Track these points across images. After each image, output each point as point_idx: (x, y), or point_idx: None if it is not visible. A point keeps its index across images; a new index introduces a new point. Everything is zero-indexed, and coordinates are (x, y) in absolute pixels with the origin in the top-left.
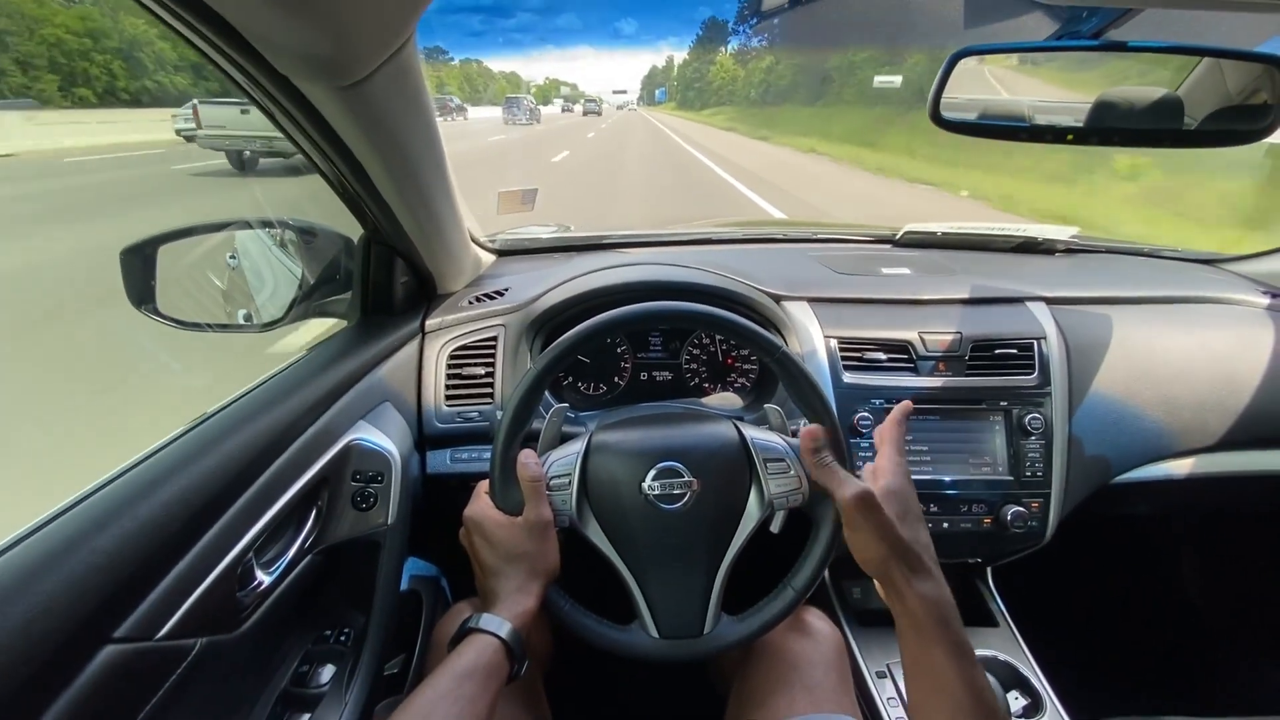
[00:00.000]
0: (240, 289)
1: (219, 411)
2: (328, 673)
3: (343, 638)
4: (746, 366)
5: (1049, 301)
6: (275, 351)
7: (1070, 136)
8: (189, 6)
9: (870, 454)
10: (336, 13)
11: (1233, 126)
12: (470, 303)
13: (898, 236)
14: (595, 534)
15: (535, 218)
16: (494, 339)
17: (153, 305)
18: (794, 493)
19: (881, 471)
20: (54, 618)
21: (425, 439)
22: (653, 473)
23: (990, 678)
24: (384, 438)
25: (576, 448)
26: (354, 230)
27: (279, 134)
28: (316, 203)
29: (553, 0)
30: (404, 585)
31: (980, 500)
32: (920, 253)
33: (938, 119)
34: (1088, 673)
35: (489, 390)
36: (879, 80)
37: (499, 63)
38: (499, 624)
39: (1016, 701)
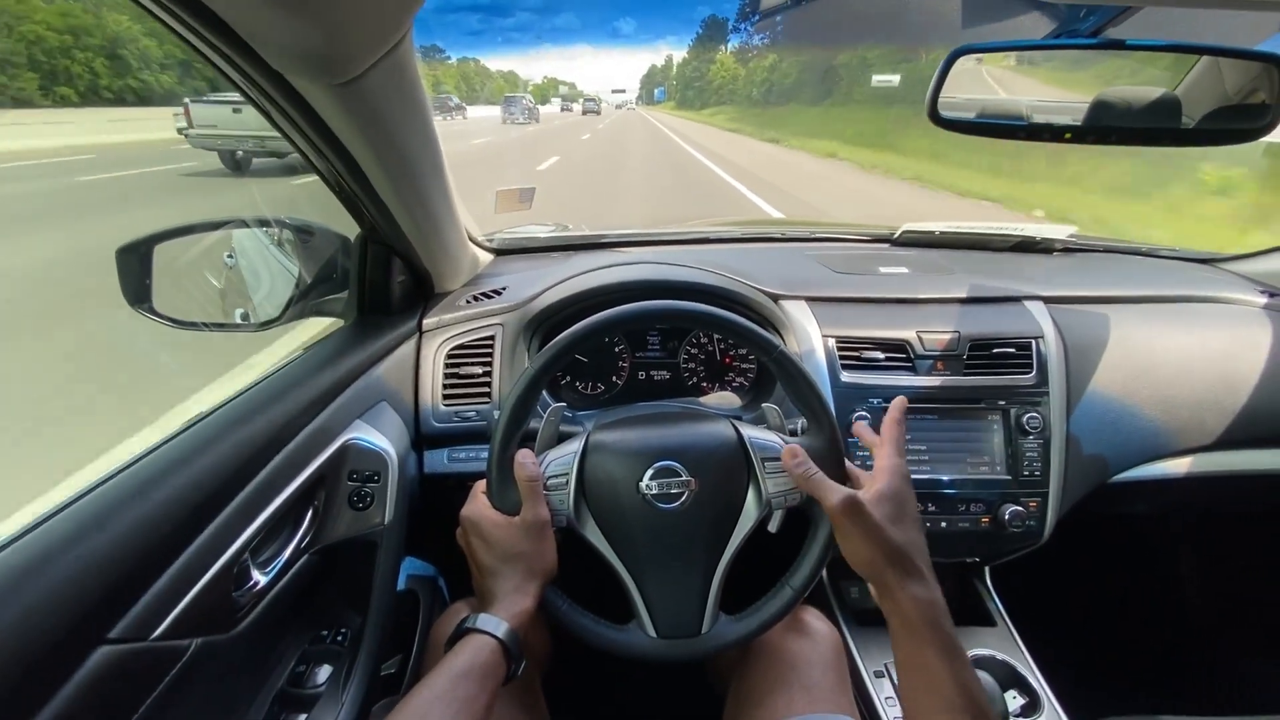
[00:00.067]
0: (237, 288)
1: (215, 411)
2: (324, 673)
3: (339, 638)
4: (745, 366)
5: (1047, 301)
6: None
7: (1068, 135)
8: (182, 2)
9: (867, 453)
10: (331, 9)
11: (1231, 125)
12: (468, 302)
13: (896, 236)
14: (593, 534)
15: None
16: (491, 338)
17: (149, 304)
18: (792, 492)
19: (880, 474)
20: (48, 618)
21: (422, 438)
22: (650, 472)
23: (987, 677)
24: (381, 437)
25: (574, 447)
26: (351, 229)
27: (272, 133)
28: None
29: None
30: (401, 585)
31: (978, 500)
32: (918, 252)
33: (936, 117)
34: (1085, 672)
35: (486, 390)
36: (877, 79)
37: (496, 62)
38: (496, 624)
39: (1014, 701)
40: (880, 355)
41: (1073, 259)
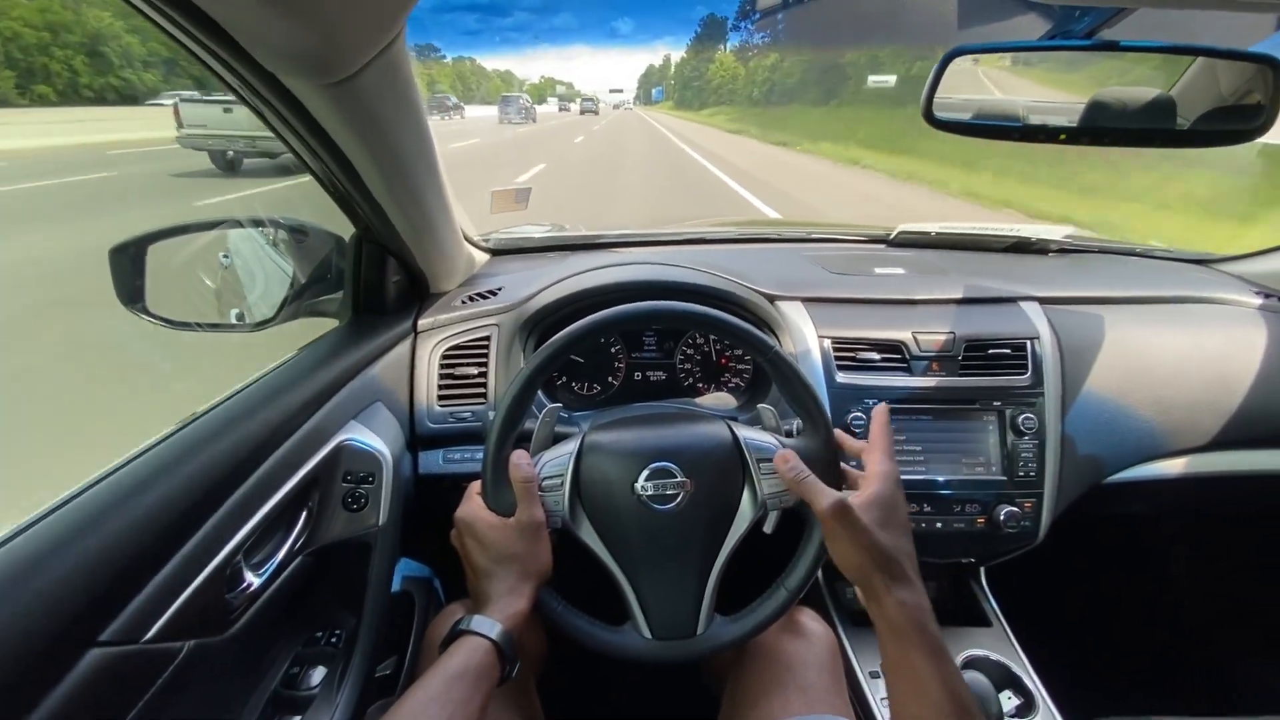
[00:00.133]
0: (232, 288)
1: (208, 412)
2: (318, 675)
3: (334, 639)
4: (741, 366)
5: (1042, 301)
6: None
7: (1063, 136)
8: (173, 3)
9: (856, 461)
10: (324, 9)
11: (1226, 126)
12: (463, 302)
13: (892, 236)
14: (588, 535)
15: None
16: (487, 339)
17: (142, 304)
18: (787, 493)
19: (871, 479)
20: (39, 621)
21: (417, 439)
22: (645, 473)
23: (982, 677)
24: (375, 438)
25: (569, 448)
26: (345, 229)
27: (264, 133)
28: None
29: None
30: (396, 586)
31: (973, 500)
32: (914, 253)
33: (931, 118)
34: (1081, 672)
35: (482, 390)
36: (873, 80)
37: (493, 61)
38: (490, 626)
39: (1009, 701)
40: (876, 356)
41: (1068, 260)
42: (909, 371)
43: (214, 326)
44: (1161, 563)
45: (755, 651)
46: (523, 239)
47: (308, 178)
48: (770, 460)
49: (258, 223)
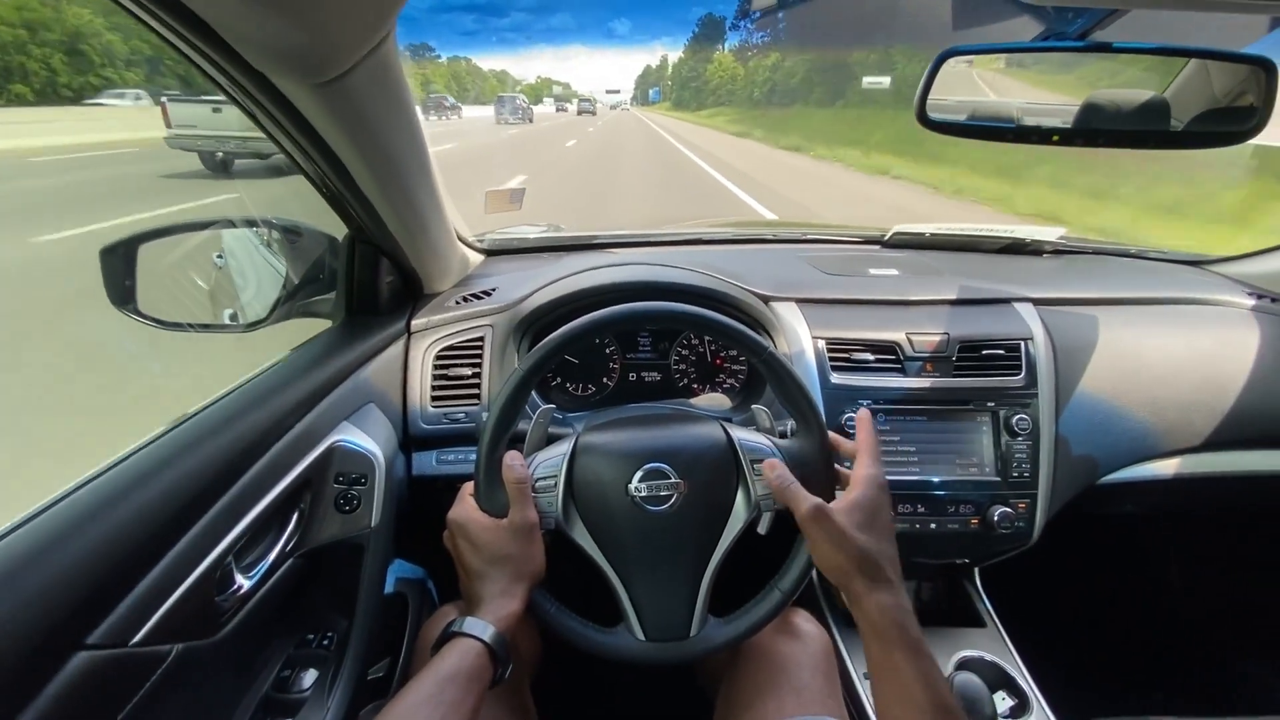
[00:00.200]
0: (226, 288)
1: (198, 413)
2: (310, 677)
3: (326, 641)
4: (735, 367)
5: (1036, 302)
6: None
7: (1056, 137)
8: (161, 2)
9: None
10: (313, 8)
11: (1219, 128)
12: (457, 303)
13: (886, 237)
14: (581, 536)
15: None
16: (481, 339)
17: (133, 305)
18: None
19: (855, 483)
20: (24, 623)
21: (411, 440)
22: (639, 474)
23: (975, 678)
24: (368, 439)
25: (563, 449)
26: (339, 229)
27: (255, 133)
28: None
29: (547, 0)
30: (390, 588)
31: (967, 501)
32: (908, 254)
33: (924, 119)
34: (1075, 673)
35: (475, 391)
36: (868, 81)
37: (489, 61)
38: (482, 627)
39: (1003, 702)
40: (870, 357)
41: (1062, 261)
42: (903, 372)
43: (206, 327)
44: (1155, 563)
45: (750, 653)
46: (517, 239)
47: (293, 179)
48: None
49: (250, 223)
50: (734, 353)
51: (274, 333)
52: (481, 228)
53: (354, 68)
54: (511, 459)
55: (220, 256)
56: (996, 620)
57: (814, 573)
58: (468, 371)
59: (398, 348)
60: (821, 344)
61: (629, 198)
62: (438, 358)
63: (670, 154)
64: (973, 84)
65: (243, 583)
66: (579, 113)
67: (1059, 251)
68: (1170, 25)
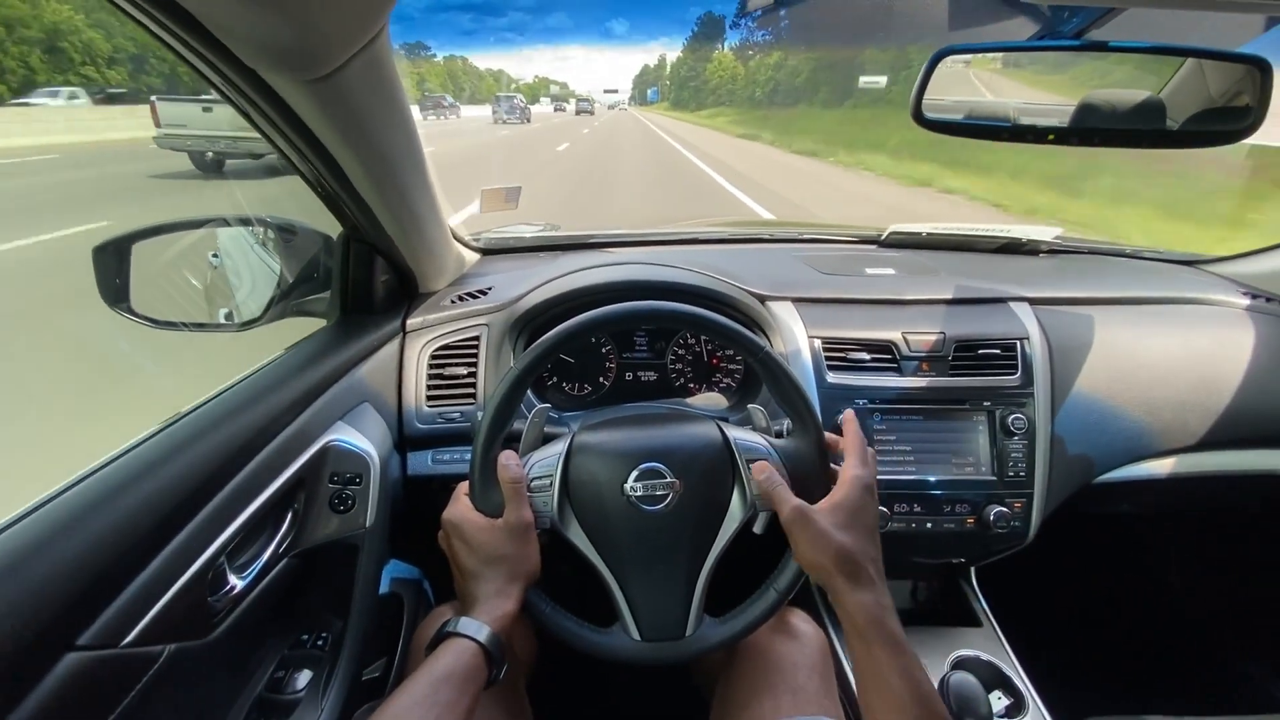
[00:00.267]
0: (220, 287)
1: (192, 412)
2: (304, 678)
3: (320, 642)
4: (732, 367)
5: (1032, 302)
6: None
7: (1051, 137)
8: None
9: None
10: (303, 4)
11: (1214, 127)
12: (452, 302)
13: (883, 237)
14: (577, 536)
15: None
16: (476, 339)
17: (127, 304)
18: None
19: (840, 484)
20: (14, 624)
21: (406, 440)
22: (635, 474)
23: (971, 678)
24: (363, 439)
25: (558, 449)
26: (334, 228)
27: (246, 133)
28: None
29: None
30: (385, 588)
31: (963, 500)
32: (905, 253)
33: (920, 118)
34: (1070, 672)
35: (471, 390)
36: (864, 81)
37: (487, 60)
38: (477, 628)
39: (999, 702)
40: (866, 356)
41: (1058, 260)
42: (899, 372)
43: (200, 326)
44: (1150, 562)
45: (746, 653)
46: (514, 238)
47: (286, 178)
48: (761, 461)
49: (245, 221)
50: (730, 352)
51: (268, 332)
52: (478, 226)
53: (346, 64)
54: (507, 459)
55: (216, 255)
56: (992, 620)
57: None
58: (463, 371)
59: (393, 347)
60: (817, 343)
61: (635, 190)
62: (433, 357)
63: (671, 158)
64: (969, 83)
65: (236, 583)
66: (577, 112)
67: (1055, 251)
68: (1166, 24)
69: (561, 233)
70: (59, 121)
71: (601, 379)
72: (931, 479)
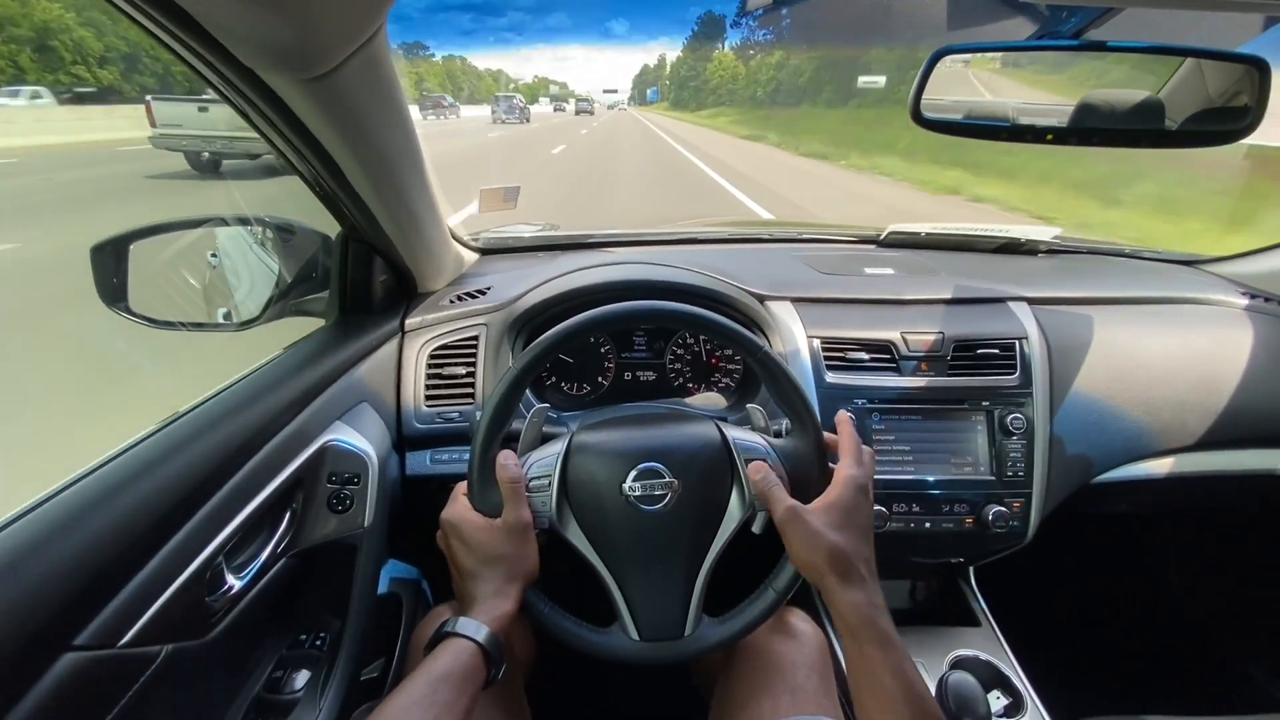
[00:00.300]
0: (219, 287)
1: (190, 411)
2: (302, 678)
3: (318, 642)
4: (731, 367)
5: (1031, 302)
6: None
7: (1050, 136)
8: None
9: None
10: (301, 3)
11: (1213, 127)
12: (451, 302)
13: (881, 237)
14: (575, 536)
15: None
16: (475, 338)
17: (124, 303)
18: None
19: (834, 484)
20: (11, 624)
21: (405, 440)
22: (633, 473)
23: (970, 677)
24: (361, 439)
25: (557, 448)
26: (332, 227)
27: (243, 133)
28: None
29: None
30: (384, 588)
31: (962, 500)
32: (904, 253)
33: (919, 118)
34: (1069, 672)
35: (470, 390)
36: (863, 80)
37: (486, 60)
38: (476, 628)
39: (998, 701)
40: (865, 356)
41: (1057, 260)
42: (898, 371)
43: (198, 326)
44: (1149, 562)
45: (745, 653)
46: (512, 238)
47: (285, 179)
48: (760, 461)
49: (243, 220)
50: (729, 352)
51: (266, 331)
52: (475, 226)
53: (344, 64)
54: (505, 458)
55: (214, 255)
56: (991, 619)
57: None
58: (462, 371)
59: (391, 347)
60: (816, 343)
61: (636, 193)
62: (432, 357)
63: (675, 163)
64: (968, 83)
65: (234, 583)
66: (577, 112)
67: (1054, 251)
68: (1164, 24)
69: (560, 232)
70: (23, 123)
71: (600, 379)
72: (930, 479)
